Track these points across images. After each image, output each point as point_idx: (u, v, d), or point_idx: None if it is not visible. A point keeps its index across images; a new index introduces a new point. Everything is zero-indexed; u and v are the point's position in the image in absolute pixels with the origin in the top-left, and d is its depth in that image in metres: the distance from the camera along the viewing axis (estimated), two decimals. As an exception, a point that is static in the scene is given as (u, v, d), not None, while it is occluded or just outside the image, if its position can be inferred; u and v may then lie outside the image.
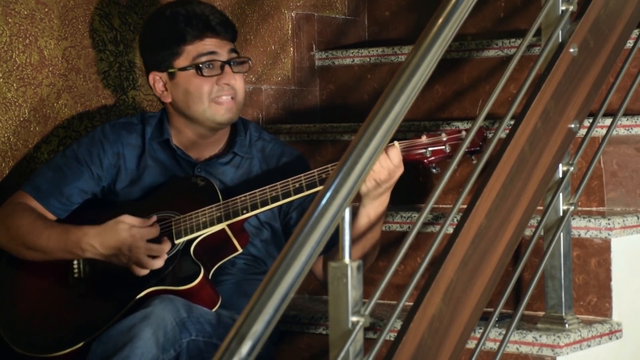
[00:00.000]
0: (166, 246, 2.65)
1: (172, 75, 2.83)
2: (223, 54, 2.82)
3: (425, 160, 2.65)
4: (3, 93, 3.07)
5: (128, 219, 2.67)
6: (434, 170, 2.66)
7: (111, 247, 2.66)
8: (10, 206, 2.84)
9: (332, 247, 2.48)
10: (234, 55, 2.84)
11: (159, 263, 2.64)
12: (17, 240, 2.78)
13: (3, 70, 3.07)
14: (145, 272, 2.64)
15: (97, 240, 2.67)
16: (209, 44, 2.82)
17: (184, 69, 2.81)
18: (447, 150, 2.64)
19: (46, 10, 3.17)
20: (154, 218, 2.70)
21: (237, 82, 2.83)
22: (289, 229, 2.86)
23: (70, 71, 3.22)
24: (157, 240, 2.67)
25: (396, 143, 2.62)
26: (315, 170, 2.65)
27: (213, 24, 2.82)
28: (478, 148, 2.61)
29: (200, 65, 2.79)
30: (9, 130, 3.08)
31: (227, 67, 2.81)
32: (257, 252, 2.85)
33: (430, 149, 2.64)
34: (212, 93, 2.80)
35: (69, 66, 3.21)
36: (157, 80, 2.85)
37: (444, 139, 2.65)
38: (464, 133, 2.65)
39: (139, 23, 3.37)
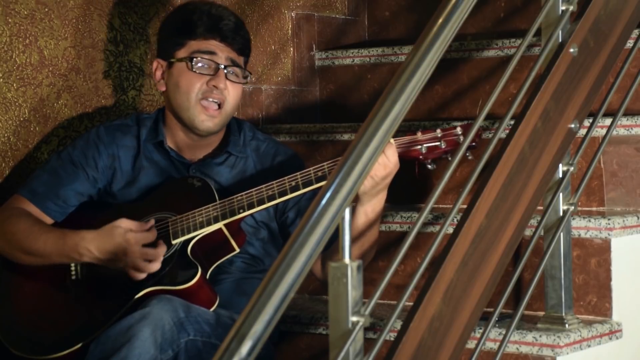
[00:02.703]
0: (162, 249, 2.64)
1: (170, 65, 2.84)
2: (222, 58, 2.81)
3: (421, 157, 2.66)
4: (3, 93, 3.07)
5: (124, 223, 2.66)
6: (430, 167, 2.67)
7: (107, 251, 2.65)
8: (6, 211, 2.84)
9: (330, 245, 2.48)
10: (233, 64, 2.83)
11: (155, 266, 2.62)
12: (15, 245, 2.78)
13: (3, 70, 3.07)
14: (142, 275, 2.63)
15: (94, 245, 2.67)
16: (212, 44, 2.82)
17: (180, 59, 2.81)
18: (443, 146, 2.65)
19: (46, 10, 3.16)
20: (152, 222, 2.69)
21: (229, 90, 2.80)
22: (285, 228, 2.86)
23: (70, 71, 3.22)
24: (154, 243, 2.66)
25: (392, 140, 2.62)
26: (311, 168, 2.65)
27: (224, 29, 2.82)
28: (474, 144, 2.62)
29: (194, 59, 2.80)
30: (9, 130, 3.08)
31: (221, 71, 2.80)
32: (255, 251, 2.85)
33: (425, 145, 2.65)
34: (199, 92, 2.79)
35: (69, 66, 3.21)
36: (158, 67, 2.87)
37: (439, 135, 2.66)
38: (459, 129, 2.66)
39: (139, 23, 3.37)
